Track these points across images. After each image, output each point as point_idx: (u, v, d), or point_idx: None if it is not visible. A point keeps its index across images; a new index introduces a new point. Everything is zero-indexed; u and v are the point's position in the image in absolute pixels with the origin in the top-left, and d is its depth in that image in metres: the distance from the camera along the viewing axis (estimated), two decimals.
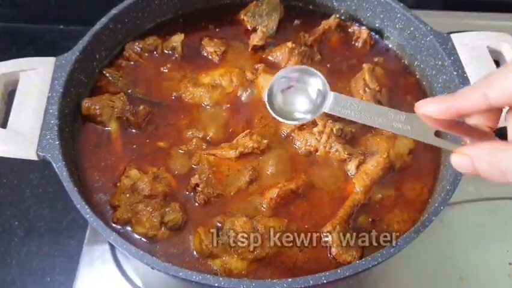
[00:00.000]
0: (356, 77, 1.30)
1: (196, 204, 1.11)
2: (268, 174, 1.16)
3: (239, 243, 1.03)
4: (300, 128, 1.20)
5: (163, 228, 1.06)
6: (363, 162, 1.15)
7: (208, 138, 1.21)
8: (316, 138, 1.17)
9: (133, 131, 1.21)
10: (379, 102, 1.26)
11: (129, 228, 1.08)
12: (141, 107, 1.22)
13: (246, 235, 1.03)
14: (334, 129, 1.16)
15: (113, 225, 1.08)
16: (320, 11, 1.46)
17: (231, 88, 1.28)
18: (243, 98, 1.28)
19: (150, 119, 1.23)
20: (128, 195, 1.09)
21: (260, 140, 1.17)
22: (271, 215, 1.10)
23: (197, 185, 1.11)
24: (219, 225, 1.07)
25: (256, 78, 1.29)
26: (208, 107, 1.26)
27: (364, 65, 1.29)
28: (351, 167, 1.15)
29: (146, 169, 1.14)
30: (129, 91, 1.26)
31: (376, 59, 1.37)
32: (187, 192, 1.13)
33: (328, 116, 1.21)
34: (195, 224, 1.08)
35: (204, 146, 1.18)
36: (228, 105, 1.26)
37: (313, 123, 1.20)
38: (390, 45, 1.40)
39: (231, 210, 1.11)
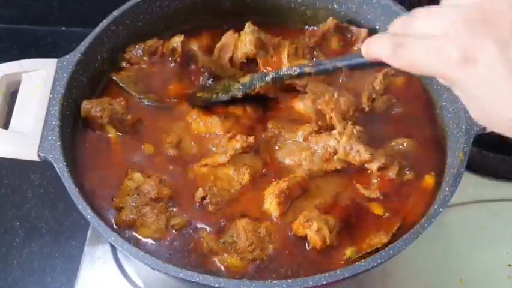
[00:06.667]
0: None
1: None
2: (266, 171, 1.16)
3: (240, 244, 1.03)
4: (318, 131, 1.18)
5: (169, 231, 1.07)
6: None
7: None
8: (336, 139, 1.13)
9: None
10: (373, 101, 1.25)
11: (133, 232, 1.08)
12: (129, 117, 1.20)
13: (247, 237, 1.04)
14: (355, 131, 1.13)
15: (116, 227, 1.08)
16: (320, 14, 1.46)
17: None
18: None
19: (146, 125, 1.23)
20: (133, 197, 1.09)
21: (245, 139, 1.15)
22: (281, 213, 1.09)
23: (203, 197, 1.10)
24: (222, 225, 1.07)
25: None
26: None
27: (385, 69, 1.28)
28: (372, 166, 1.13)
29: (148, 173, 1.14)
30: (141, 96, 1.26)
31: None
32: (197, 205, 1.11)
33: (347, 119, 1.20)
34: (199, 224, 1.09)
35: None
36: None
37: (331, 127, 1.18)
38: None
39: (238, 211, 1.11)
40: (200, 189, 1.11)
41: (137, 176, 1.13)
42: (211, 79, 1.30)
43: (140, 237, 1.07)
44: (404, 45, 0.75)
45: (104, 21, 1.28)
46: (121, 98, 1.24)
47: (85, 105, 1.19)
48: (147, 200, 1.08)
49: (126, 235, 1.07)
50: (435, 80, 1.28)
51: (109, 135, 1.20)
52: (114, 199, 1.11)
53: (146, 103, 1.26)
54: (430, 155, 1.20)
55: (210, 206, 1.10)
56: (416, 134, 1.23)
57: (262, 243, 1.04)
